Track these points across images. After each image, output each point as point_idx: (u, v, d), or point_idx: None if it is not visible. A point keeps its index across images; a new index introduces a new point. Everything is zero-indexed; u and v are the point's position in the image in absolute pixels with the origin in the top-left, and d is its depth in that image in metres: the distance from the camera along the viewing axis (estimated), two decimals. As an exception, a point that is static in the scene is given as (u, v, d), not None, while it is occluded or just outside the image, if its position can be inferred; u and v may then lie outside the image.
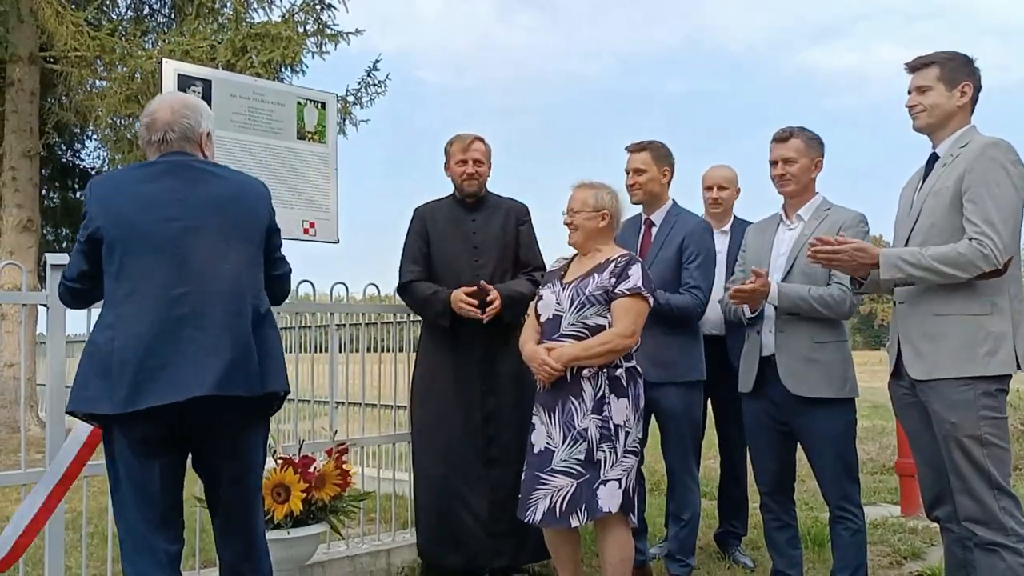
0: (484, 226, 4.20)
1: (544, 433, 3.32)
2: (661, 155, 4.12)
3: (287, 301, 4.11)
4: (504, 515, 3.94)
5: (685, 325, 3.95)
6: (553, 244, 3.24)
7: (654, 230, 4.11)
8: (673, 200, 4.17)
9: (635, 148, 4.16)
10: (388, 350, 4.64)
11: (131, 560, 2.50)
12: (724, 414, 4.62)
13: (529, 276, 4.18)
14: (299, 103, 3.88)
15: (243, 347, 2.47)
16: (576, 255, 3.57)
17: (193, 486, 3.96)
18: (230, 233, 2.57)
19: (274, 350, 2.59)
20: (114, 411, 2.39)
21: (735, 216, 4.66)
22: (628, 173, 4.13)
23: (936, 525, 3.25)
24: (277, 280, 2.81)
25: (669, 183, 4.17)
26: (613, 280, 3.32)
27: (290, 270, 2.89)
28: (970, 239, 2.79)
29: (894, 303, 3.10)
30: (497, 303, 3.95)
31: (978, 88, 3.01)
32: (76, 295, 2.68)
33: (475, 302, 3.93)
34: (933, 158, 3.06)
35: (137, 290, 2.45)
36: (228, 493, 2.64)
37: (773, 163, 3.56)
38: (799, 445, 3.56)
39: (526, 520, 3.34)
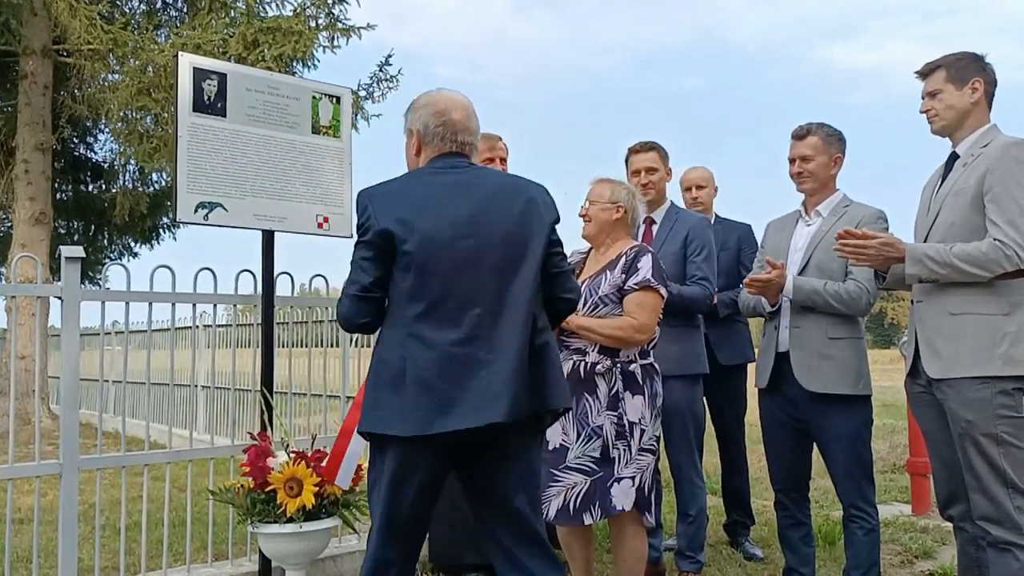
0: None
1: (559, 430, 3.32)
2: (665, 154, 4.23)
3: (299, 295, 4.14)
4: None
5: (689, 318, 3.98)
6: (566, 239, 3.22)
7: (655, 228, 4.17)
8: (671, 200, 4.27)
9: (644, 148, 4.19)
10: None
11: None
12: (719, 409, 4.70)
13: None
14: (314, 97, 3.87)
15: (530, 370, 2.43)
16: (591, 250, 3.56)
17: (202, 479, 4.00)
18: (517, 250, 2.48)
19: (555, 367, 2.55)
20: (407, 433, 2.32)
21: (716, 215, 4.79)
22: (639, 173, 4.15)
23: (947, 524, 3.24)
24: (560, 300, 2.65)
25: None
26: (623, 276, 3.31)
27: (574, 289, 2.72)
28: (993, 239, 2.79)
29: (912, 301, 3.09)
30: None
31: (991, 84, 3.01)
32: (373, 303, 2.47)
33: None
34: (953, 157, 3.06)
35: (433, 310, 2.38)
36: (518, 502, 2.52)
37: (791, 160, 3.56)
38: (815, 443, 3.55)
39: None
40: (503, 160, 4.24)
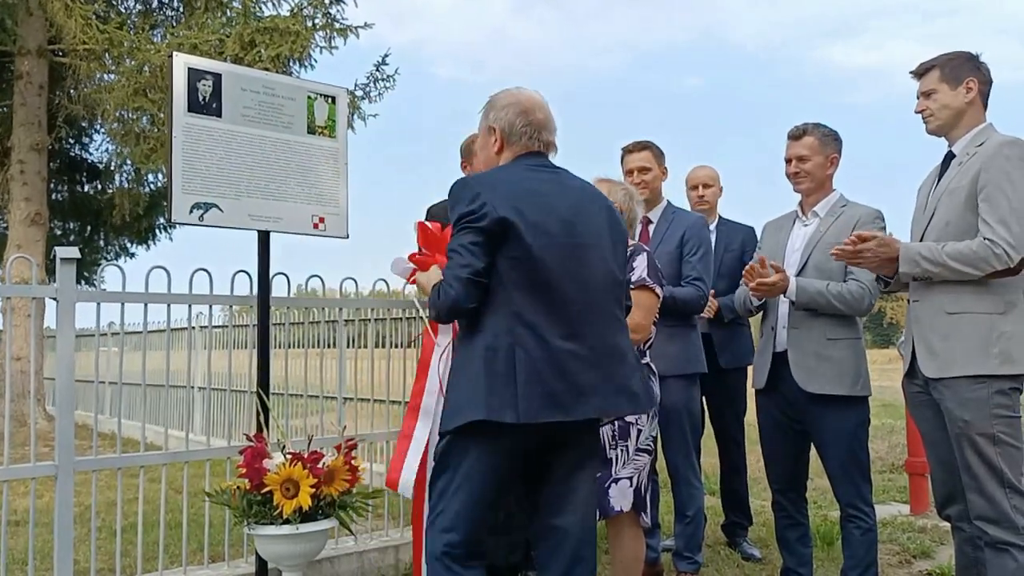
0: None
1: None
2: (659, 153, 4.22)
3: (295, 296, 4.13)
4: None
5: (686, 317, 3.97)
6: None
7: (651, 227, 4.16)
8: (668, 199, 4.26)
9: (637, 147, 4.19)
10: (397, 346, 4.63)
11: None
12: (719, 410, 4.69)
13: None
14: (309, 97, 3.86)
15: (622, 366, 2.54)
16: None
17: (198, 480, 3.98)
18: (607, 253, 2.59)
19: (636, 371, 2.63)
20: (517, 421, 2.35)
21: (720, 216, 4.78)
22: (632, 173, 4.15)
23: (945, 524, 3.24)
24: (626, 307, 2.77)
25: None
26: None
27: (630, 296, 2.87)
28: (984, 238, 2.79)
29: (908, 301, 3.09)
30: None
31: (986, 83, 3.02)
32: (482, 289, 2.45)
33: None
34: (949, 156, 3.07)
35: (542, 302, 2.43)
36: (583, 490, 2.63)
37: (787, 161, 3.57)
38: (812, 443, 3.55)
39: None
40: None
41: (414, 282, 3.38)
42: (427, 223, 3.44)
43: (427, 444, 3.31)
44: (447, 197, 2.57)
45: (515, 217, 2.43)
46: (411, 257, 3.38)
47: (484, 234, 2.42)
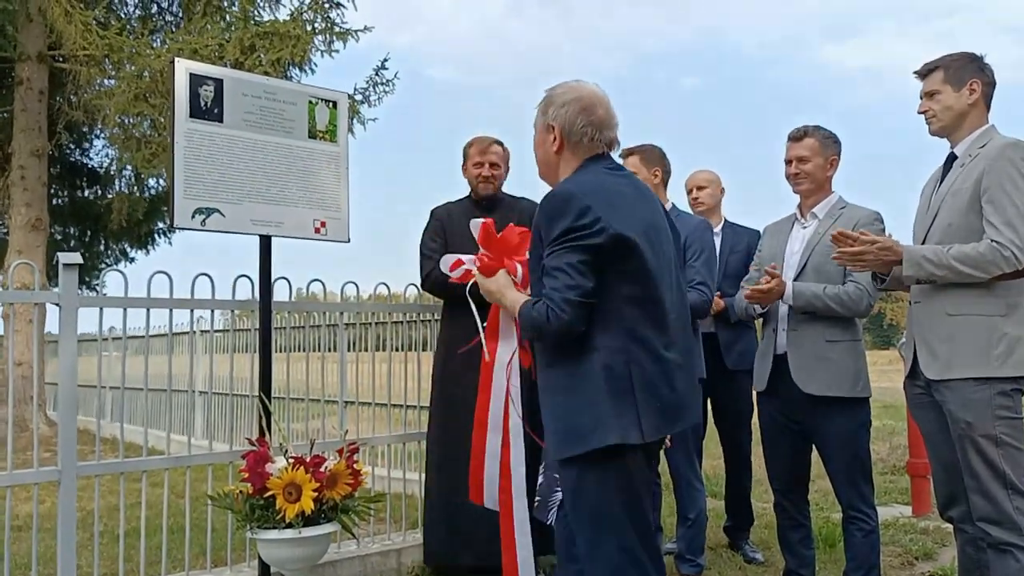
0: (500, 226, 4.20)
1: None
2: (652, 157, 4.18)
3: (295, 300, 4.14)
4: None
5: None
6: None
7: None
8: (672, 203, 4.25)
9: (625, 153, 4.19)
10: (399, 349, 4.64)
11: None
12: (723, 412, 4.69)
13: None
14: (311, 102, 3.87)
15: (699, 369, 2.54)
16: None
17: (201, 485, 3.99)
18: (676, 258, 2.58)
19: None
20: (642, 440, 2.30)
21: (725, 219, 4.78)
22: None
23: (948, 525, 3.24)
24: None
25: (665, 184, 4.22)
26: None
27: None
28: (991, 241, 2.79)
29: (910, 302, 3.09)
30: None
31: (989, 84, 3.01)
32: (591, 310, 2.32)
33: None
34: (951, 158, 3.06)
35: (650, 315, 2.38)
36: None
37: (788, 162, 3.58)
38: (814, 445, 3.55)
39: (547, 521, 3.33)
40: (494, 166, 4.24)
41: (460, 279, 3.25)
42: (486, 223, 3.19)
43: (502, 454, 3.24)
44: (542, 207, 2.42)
45: (630, 232, 2.34)
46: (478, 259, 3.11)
47: (594, 251, 2.30)
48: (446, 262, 3.35)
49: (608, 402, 2.30)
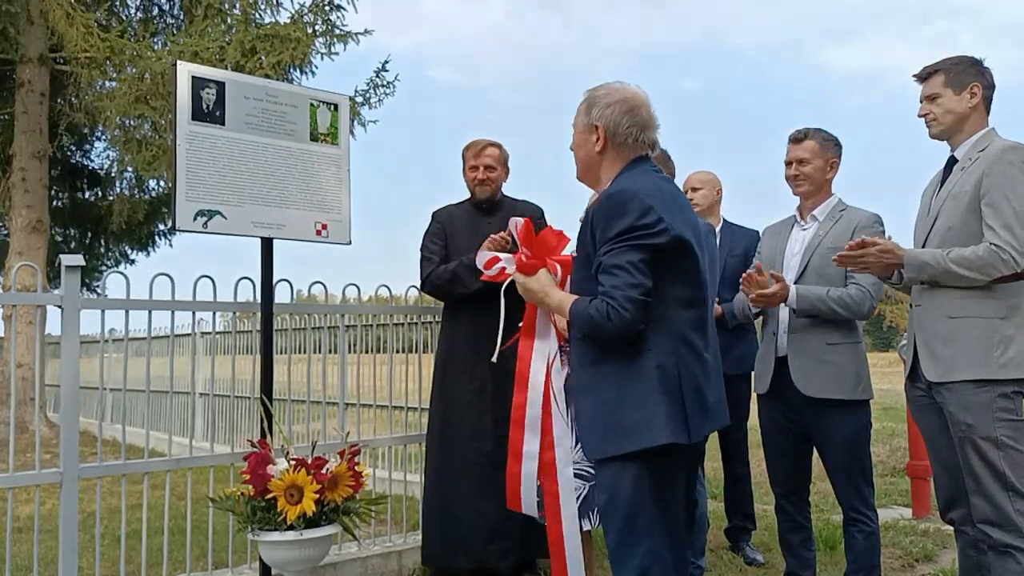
0: (501, 228, 4.21)
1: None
2: (659, 160, 4.16)
3: (296, 302, 4.15)
4: (512, 517, 3.95)
5: None
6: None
7: None
8: None
9: None
10: (399, 351, 4.64)
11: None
12: None
13: None
14: (312, 105, 3.88)
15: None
16: None
17: (202, 486, 3.99)
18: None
19: None
20: (689, 441, 2.33)
21: (724, 220, 4.79)
22: None
23: (948, 527, 3.24)
24: None
25: None
26: None
27: None
28: (990, 244, 2.80)
29: (910, 305, 3.10)
30: (509, 239, 3.89)
31: (989, 88, 3.02)
32: (648, 308, 2.31)
33: (507, 237, 3.87)
34: (952, 161, 3.07)
35: (697, 317, 2.42)
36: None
37: (788, 163, 3.58)
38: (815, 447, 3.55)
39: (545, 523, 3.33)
40: (490, 168, 4.24)
41: (495, 279, 3.18)
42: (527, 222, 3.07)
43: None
44: (601, 205, 2.39)
45: (689, 235, 2.38)
46: (517, 258, 2.98)
47: (654, 251, 2.31)
48: (481, 259, 3.28)
49: (660, 402, 2.31)
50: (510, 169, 4.38)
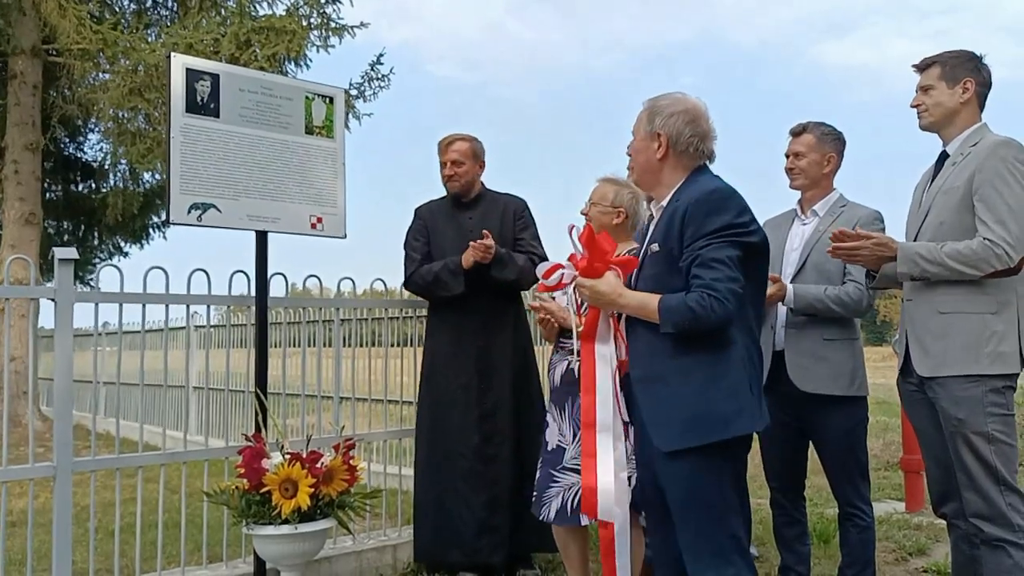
0: (481, 222, 4.20)
1: (556, 431, 3.31)
2: None
3: (291, 296, 4.14)
4: (501, 511, 3.97)
5: None
6: (567, 240, 3.12)
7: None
8: None
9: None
10: (394, 345, 4.64)
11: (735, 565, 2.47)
12: None
13: (527, 254, 4.20)
14: (307, 98, 3.86)
15: None
16: None
17: (196, 480, 3.99)
18: None
19: None
20: (759, 429, 2.48)
21: None
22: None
23: (940, 521, 3.25)
24: None
25: None
26: None
27: None
28: (983, 239, 2.80)
29: (902, 300, 3.11)
30: (492, 243, 3.97)
31: (984, 84, 3.03)
32: (740, 302, 2.42)
33: (490, 243, 3.96)
34: (943, 156, 3.08)
35: (755, 315, 2.56)
36: None
37: (786, 156, 3.59)
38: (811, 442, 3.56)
39: (540, 517, 3.34)
40: (456, 163, 4.23)
41: (553, 288, 3.11)
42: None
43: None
44: (698, 202, 2.46)
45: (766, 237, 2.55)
46: (574, 259, 2.88)
47: (745, 249, 2.43)
48: (542, 269, 3.08)
49: (749, 393, 2.44)
50: (485, 163, 4.34)
